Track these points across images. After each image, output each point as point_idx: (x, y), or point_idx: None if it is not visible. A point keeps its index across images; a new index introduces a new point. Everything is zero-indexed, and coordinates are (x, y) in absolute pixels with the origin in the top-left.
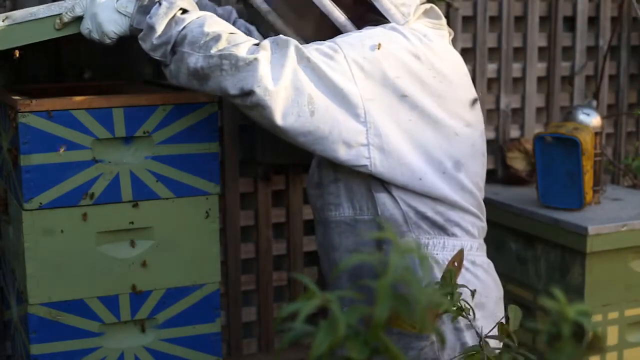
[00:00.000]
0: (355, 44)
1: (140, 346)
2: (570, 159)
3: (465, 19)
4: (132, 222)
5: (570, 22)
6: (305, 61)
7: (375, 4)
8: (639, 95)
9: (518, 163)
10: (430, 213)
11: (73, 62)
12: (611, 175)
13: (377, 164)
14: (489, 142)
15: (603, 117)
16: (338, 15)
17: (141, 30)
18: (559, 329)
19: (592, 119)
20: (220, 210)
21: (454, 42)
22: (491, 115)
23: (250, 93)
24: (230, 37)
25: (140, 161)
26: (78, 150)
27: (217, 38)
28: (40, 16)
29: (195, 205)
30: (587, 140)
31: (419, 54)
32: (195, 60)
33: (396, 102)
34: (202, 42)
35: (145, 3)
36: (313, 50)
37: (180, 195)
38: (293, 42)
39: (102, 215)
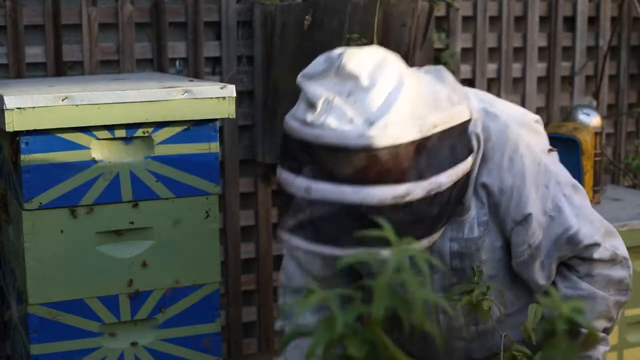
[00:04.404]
0: (560, 174)
1: (141, 346)
2: (570, 159)
3: (465, 19)
4: (132, 222)
5: (570, 22)
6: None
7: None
8: (639, 95)
9: None
10: None
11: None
12: (611, 175)
13: None
14: None
15: (603, 117)
16: (463, 168)
17: None
18: (554, 326)
19: (592, 119)
20: (220, 210)
21: (453, 42)
22: None
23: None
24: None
25: (140, 161)
26: (78, 150)
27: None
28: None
29: (195, 205)
30: (587, 140)
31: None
32: None
33: None
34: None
35: None
36: (578, 195)
37: (180, 195)
38: (582, 192)
39: (102, 215)
